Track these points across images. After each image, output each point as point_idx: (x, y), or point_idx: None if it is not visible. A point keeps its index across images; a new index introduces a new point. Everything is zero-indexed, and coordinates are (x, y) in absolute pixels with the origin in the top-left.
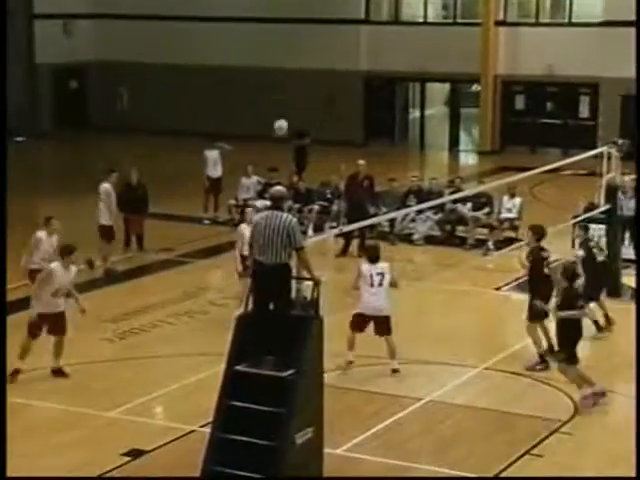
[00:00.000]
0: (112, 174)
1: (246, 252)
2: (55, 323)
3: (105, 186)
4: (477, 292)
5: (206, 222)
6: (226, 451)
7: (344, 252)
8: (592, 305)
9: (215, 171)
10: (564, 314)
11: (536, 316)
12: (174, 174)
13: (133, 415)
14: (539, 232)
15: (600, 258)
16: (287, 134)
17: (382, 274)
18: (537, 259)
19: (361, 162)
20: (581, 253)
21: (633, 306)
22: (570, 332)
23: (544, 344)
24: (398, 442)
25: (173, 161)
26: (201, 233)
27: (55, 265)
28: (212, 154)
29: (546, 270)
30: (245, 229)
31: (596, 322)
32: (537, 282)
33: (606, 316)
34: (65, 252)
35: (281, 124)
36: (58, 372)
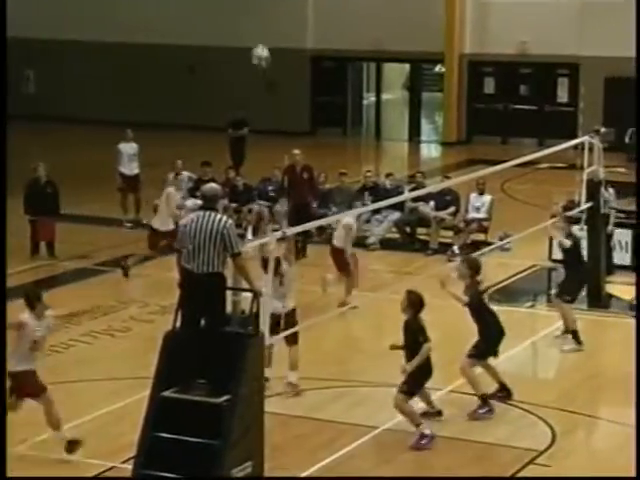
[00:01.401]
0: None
1: None
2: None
3: None
4: (440, 305)
5: (127, 225)
6: None
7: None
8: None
9: (130, 168)
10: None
11: (480, 355)
12: (90, 169)
13: (41, 451)
14: (474, 266)
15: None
16: (268, 64)
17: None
18: (476, 295)
19: (296, 151)
20: (568, 242)
21: (619, 320)
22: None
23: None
24: (352, 474)
25: (89, 154)
26: (122, 238)
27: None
28: (127, 147)
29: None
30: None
31: (574, 332)
32: (482, 319)
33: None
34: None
35: (260, 53)
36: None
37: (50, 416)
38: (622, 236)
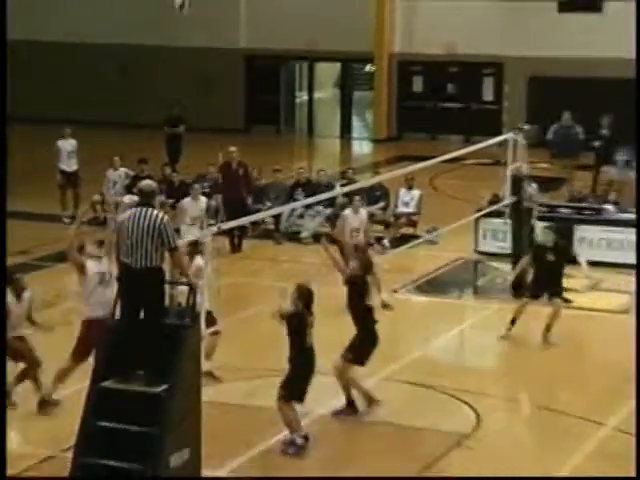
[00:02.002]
0: None
1: None
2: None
3: None
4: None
5: (66, 221)
6: (92, 478)
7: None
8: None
9: (70, 164)
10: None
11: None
12: (29, 166)
13: None
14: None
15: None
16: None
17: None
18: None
19: (232, 149)
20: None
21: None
22: (302, 367)
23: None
24: (285, 462)
25: (27, 151)
26: (61, 233)
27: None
28: (66, 144)
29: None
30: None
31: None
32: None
33: (513, 320)
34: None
35: None
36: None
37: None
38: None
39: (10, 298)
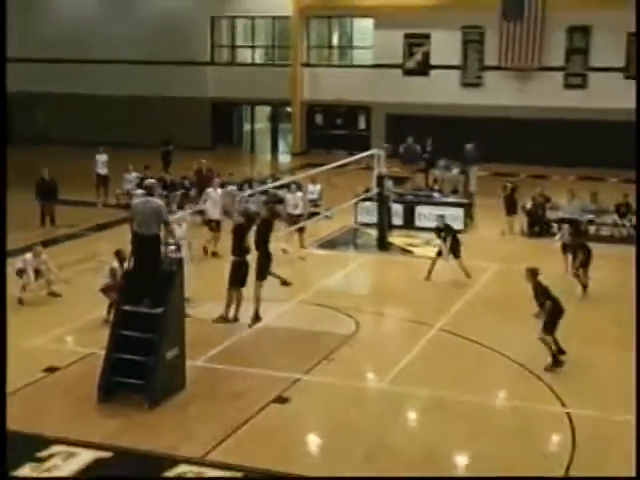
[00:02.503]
0: None
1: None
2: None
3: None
4: (291, 250)
5: (99, 205)
6: (117, 366)
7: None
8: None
9: (103, 169)
10: None
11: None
12: (75, 172)
13: (53, 343)
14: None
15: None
16: None
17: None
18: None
19: (203, 160)
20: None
21: (396, 257)
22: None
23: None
24: (240, 353)
25: (72, 163)
26: (96, 213)
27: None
28: (101, 157)
29: None
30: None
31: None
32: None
33: (466, 271)
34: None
35: None
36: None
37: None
38: (396, 208)
39: (115, 264)
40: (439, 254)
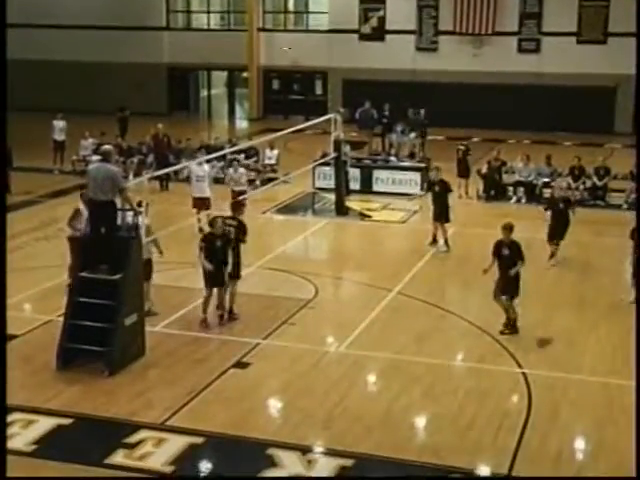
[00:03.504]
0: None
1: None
2: None
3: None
4: (250, 215)
5: (55, 172)
6: (75, 333)
7: (163, 189)
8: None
9: (60, 136)
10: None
11: None
12: (32, 139)
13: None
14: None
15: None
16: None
17: None
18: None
19: (160, 125)
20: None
21: (353, 222)
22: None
23: None
24: (197, 320)
25: (31, 129)
26: (52, 180)
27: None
28: (59, 124)
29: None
30: None
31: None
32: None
33: (445, 240)
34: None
35: None
36: None
37: None
38: (354, 173)
39: (81, 206)
40: (436, 218)
